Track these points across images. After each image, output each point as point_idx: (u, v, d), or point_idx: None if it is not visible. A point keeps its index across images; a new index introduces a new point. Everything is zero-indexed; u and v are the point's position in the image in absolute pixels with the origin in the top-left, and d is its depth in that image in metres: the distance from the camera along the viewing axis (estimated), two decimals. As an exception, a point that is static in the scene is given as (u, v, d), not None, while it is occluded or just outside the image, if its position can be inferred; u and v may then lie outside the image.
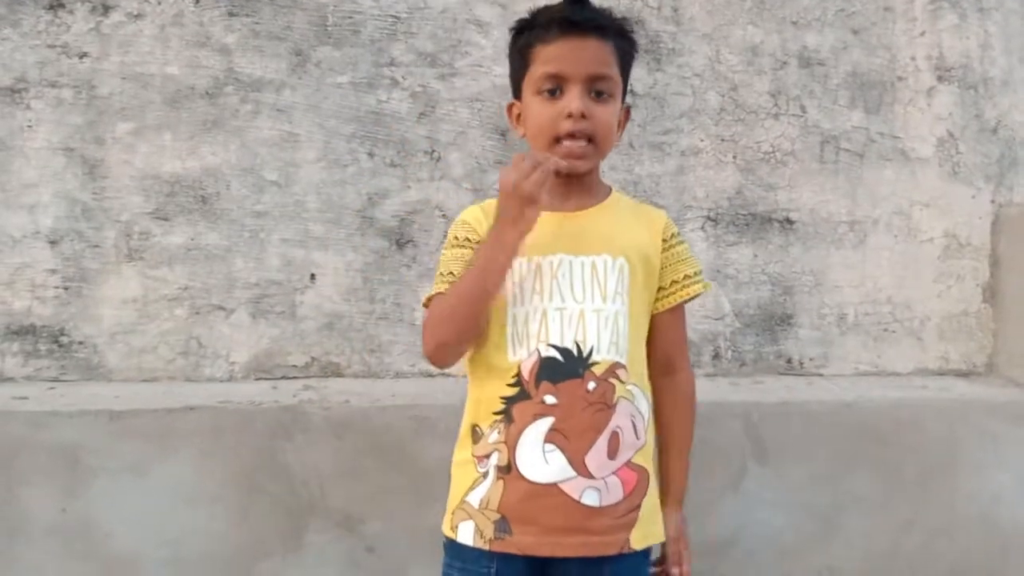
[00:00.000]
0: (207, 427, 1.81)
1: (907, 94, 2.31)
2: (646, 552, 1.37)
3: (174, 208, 2.05)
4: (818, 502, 1.98)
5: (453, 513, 1.36)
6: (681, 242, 1.45)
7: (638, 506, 1.33)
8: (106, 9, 2.05)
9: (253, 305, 2.06)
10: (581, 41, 1.32)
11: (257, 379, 2.06)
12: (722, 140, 2.23)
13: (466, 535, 1.32)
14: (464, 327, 1.31)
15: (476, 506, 1.32)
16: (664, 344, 1.44)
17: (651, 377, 1.42)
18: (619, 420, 1.31)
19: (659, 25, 2.21)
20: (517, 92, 1.41)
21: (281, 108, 2.08)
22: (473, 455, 1.35)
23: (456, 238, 1.40)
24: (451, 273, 1.35)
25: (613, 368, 1.32)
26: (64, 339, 2.02)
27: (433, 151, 2.12)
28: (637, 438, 1.34)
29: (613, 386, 1.31)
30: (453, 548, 1.35)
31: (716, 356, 2.21)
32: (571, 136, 1.32)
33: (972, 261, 2.32)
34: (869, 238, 2.28)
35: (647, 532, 1.35)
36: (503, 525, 1.29)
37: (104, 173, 2.04)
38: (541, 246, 1.33)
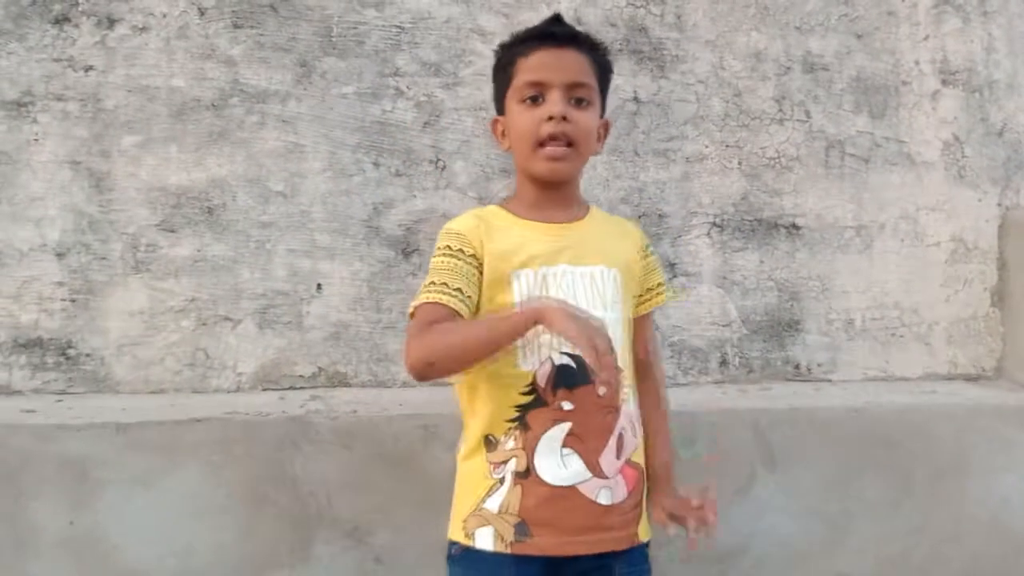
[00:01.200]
0: (214, 438, 1.81)
1: (911, 98, 2.31)
2: (647, 545, 1.45)
3: (180, 220, 2.06)
4: (828, 508, 1.97)
5: (466, 520, 1.37)
6: (653, 252, 1.54)
7: (640, 501, 1.42)
8: (111, 22, 2.05)
9: (260, 316, 2.06)
10: (560, 51, 1.40)
11: (264, 390, 2.06)
12: (727, 146, 2.23)
13: (484, 540, 1.34)
14: (465, 366, 1.32)
15: (496, 511, 1.34)
16: (643, 344, 1.52)
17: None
18: (623, 421, 1.39)
19: (662, 32, 2.21)
20: (501, 108, 1.48)
21: (286, 119, 2.09)
22: (488, 462, 1.36)
23: (449, 247, 1.39)
24: (444, 284, 1.34)
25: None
26: (71, 352, 2.02)
27: (438, 160, 2.13)
28: (635, 437, 1.42)
29: (616, 391, 1.36)
30: (467, 556, 1.36)
31: (723, 363, 2.21)
32: (552, 139, 1.37)
33: (979, 265, 2.32)
34: (876, 243, 2.28)
35: (647, 525, 1.44)
36: (523, 528, 1.33)
37: (110, 186, 2.04)
38: (545, 257, 1.38)
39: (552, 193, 1.43)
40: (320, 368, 2.08)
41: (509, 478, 1.34)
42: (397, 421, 1.86)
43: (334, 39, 2.11)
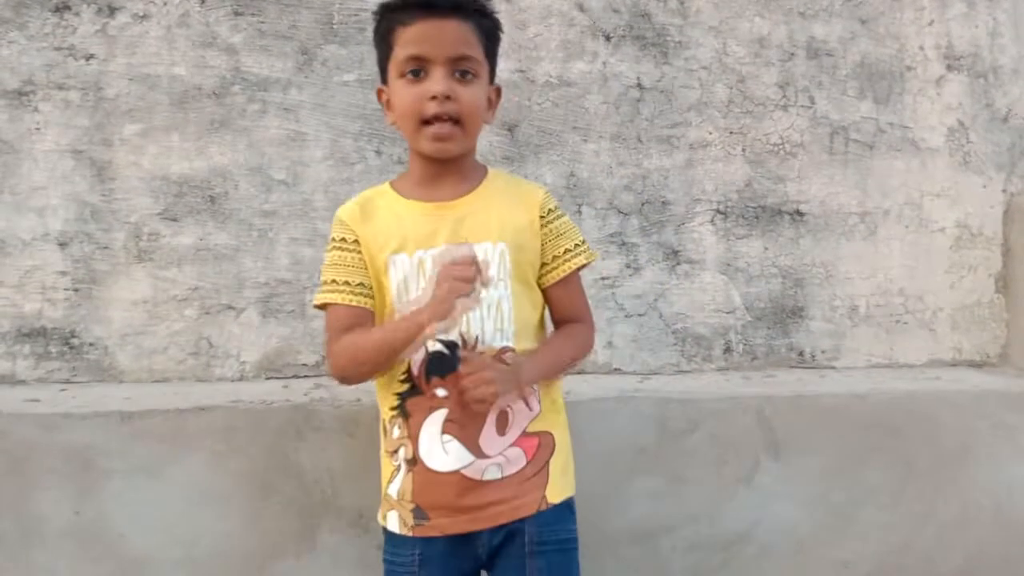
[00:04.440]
0: (219, 427, 1.81)
1: (916, 84, 2.30)
2: (566, 504, 1.43)
3: (183, 209, 2.05)
4: (832, 495, 1.97)
5: (381, 504, 1.43)
6: (560, 216, 1.45)
7: (545, 464, 1.40)
8: (112, 11, 2.05)
9: (263, 304, 2.06)
10: (441, 22, 1.32)
11: (268, 378, 2.06)
12: (730, 133, 2.22)
13: (393, 523, 1.40)
14: (376, 372, 1.38)
15: (396, 497, 1.39)
16: (562, 314, 1.48)
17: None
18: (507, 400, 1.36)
19: (666, 18, 2.20)
20: (385, 76, 1.41)
21: (288, 107, 2.08)
22: (386, 449, 1.42)
23: (334, 239, 1.41)
24: (333, 281, 1.38)
25: (499, 354, 1.35)
26: (75, 341, 2.02)
27: (440, 148, 2.12)
28: (530, 410, 1.39)
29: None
30: (386, 535, 1.43)
31: (727, 350, 2.20)
32: (437, 118, 1.33)
33: (984, 251, 2.31)
34: (880, 229, 2.27)
35: (562, 486, 1.42)
36: (420, 512, 1.37)
37: (112, 175, 2.04)
38: (420, 239, 1.36)
39: (441, 168, 1.39)
40: (324, 356, 2.07)
41: (403, 465, 1.38)
42: (401, 409, 1.85)
43: (335, 26, 2.09)
